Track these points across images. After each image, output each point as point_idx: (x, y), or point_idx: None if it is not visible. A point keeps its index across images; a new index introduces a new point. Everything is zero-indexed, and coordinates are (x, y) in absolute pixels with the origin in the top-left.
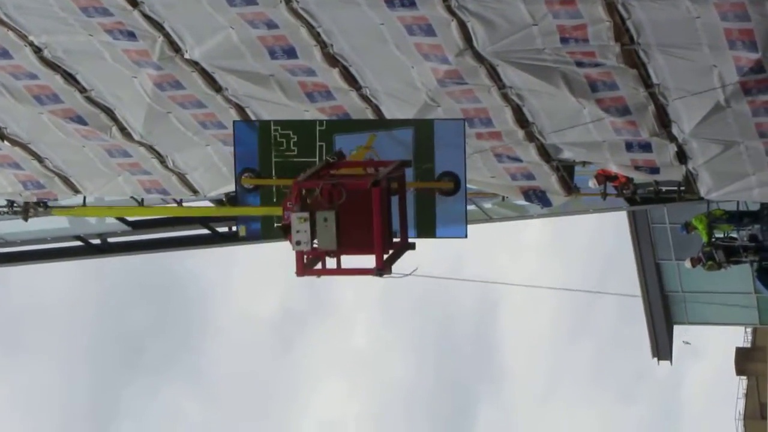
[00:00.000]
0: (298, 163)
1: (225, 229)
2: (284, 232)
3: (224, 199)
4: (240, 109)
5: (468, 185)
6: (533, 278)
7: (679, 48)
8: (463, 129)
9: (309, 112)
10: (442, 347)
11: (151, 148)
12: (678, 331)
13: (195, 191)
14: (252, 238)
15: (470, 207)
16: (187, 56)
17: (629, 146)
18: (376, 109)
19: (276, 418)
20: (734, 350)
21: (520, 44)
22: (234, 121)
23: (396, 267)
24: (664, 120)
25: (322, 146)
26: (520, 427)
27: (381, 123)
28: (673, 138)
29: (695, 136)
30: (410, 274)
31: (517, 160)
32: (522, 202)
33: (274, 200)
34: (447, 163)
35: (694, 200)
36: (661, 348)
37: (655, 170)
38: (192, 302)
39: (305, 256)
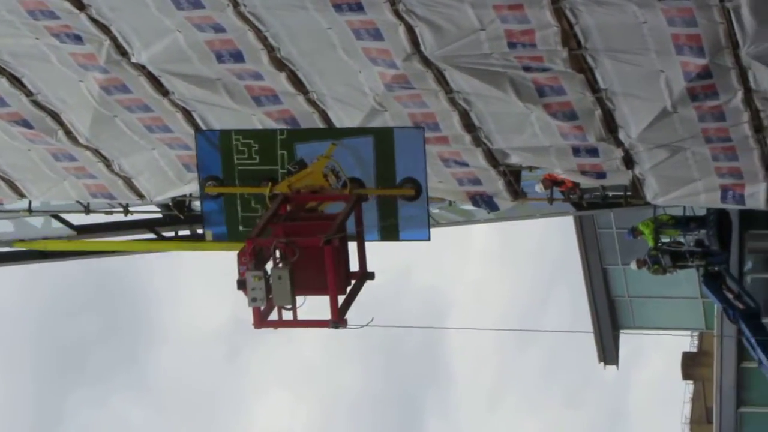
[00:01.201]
0: (261, 171)
1: (171, 234)
2: (239, 287)
3: (170, 203)
4: (187, 113)
5: None
6: (481, 285)
7: (626, 53)
8: (422, 137)
9: (256, 116)
10: (389, 356)
11: (97, 152)
12: (624, 336)
13: (141, 196)
14: (218, 241)
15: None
16: (134, 60)
17: (576, 151)
18: (323, 114)
19: (222, 427)
20: (681, 355)
21: (468, 49)
22: (196, 132)
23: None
24: (611, 125)
25: (284, 154)
26: None
27: (341, 132)
28: (620, 143)
29: (642, 141)
30: (366, 325)
31: (465, 164)
32: (469, 206)
33: (238, 207)
34: (408, 170)
35: (641, 205)
36: (608, 353)
37: (601, 175)
38: (139, 310)
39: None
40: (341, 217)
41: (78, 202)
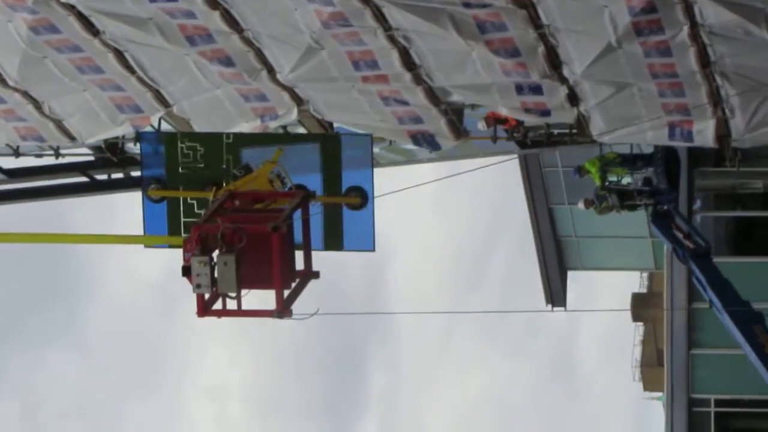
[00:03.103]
0: (206, 175)
1: (104, 177)
2: (185, 274)
3: (102, 146)
4: (118, 54)
5: (355, 129)
6: (424, 228)
7: None
8: (369, 143)
9: (190, 55)
10: (331, 304)
11: (26, 94)
12: (572, 276)
13: (72, 138)
14: (159, 246)
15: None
16: None
17: (519, 89)
18: (259, 53)
19: (162, 383)
20: (630, 296)
21: None
22: (138, 132)
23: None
24: (554, 61)
25: (229, 159)
26: (414, 385)
27: (287, 137)
28: (564, 80)
29: (587, 78)
30: (313, 315)
31: (405, 103)
32: (410, 146)
33: (180, 212)
34: (354, 178)
35: (587, 143)
36: (555, 294)
37: (546, 113)
38: (72, 261)
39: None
40: (289, 209)
41: (8, 145)
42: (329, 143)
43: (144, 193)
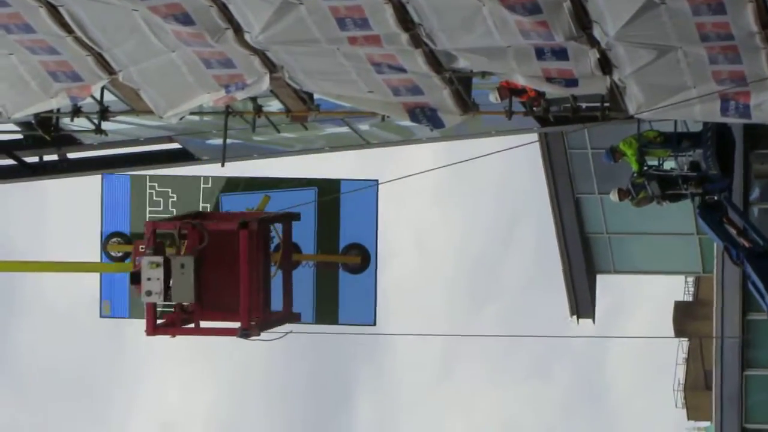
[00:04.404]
0: None
1: (35, 159)
2: (133, 280)
3: (33, 122)
4: (52, 9)
5: (340, 102)
6: (425, 224)
7: None
8: (375, 191)
9: (138, 11)
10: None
11: None
12: (602, 282)
13: None
14: (117, 317)
15: (342, 129)
16: None
17: (540, 53)
18: (223, 8)
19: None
20: (672, 305)
21: None
22: (102, 174)
23: None
24: (583, 20)
25: (207, 208)
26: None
27: (278, 181)
28: (594, 42)
29: (622, 40)
30: (285, 335)
31: (401, 70)
32: (407, 122)
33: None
34: (354, 232)
35: (621, 120)
36: (582, 303)
37: (572, 82)
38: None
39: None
40: (263, 215)
41: None
42: (327, 188)
43: (102, 249)
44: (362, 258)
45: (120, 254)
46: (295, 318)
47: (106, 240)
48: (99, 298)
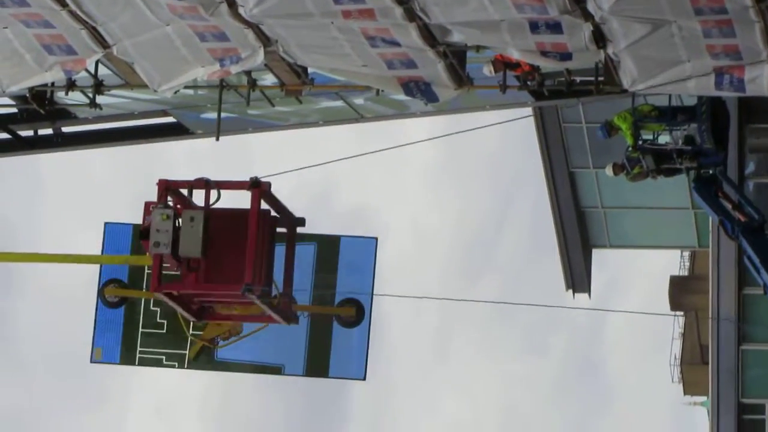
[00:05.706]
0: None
1: (30, 133)
2: (142, 236)
3: (27, 96)
4: None
5: (333, 75)
6: (420, 199)
7: None
8: (374, 248)
9: None
10: None
11: None
12: (598, 256)
13: None
14: (108, 362)
15: (337, 102)
16: None
17: (534, 26)
18: None
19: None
20: (668, 280)
21: None
22: (105, 223)
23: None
24: None
25: None
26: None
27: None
28: (588, 16)
29: (616, 14)
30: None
31: (395, 44)
32: (401, 96)
33: (140, 320)
34: (350, 288)
35: (616, 94)
36: (577, 278)
37: (566, 56)
38: None
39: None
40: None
41: None
42: (326, 245)
43: (99, 294)
44: (356, 312)
45: (116, 299)
46: (294, 320)
47: (103, 285)
48: (91, 345)
